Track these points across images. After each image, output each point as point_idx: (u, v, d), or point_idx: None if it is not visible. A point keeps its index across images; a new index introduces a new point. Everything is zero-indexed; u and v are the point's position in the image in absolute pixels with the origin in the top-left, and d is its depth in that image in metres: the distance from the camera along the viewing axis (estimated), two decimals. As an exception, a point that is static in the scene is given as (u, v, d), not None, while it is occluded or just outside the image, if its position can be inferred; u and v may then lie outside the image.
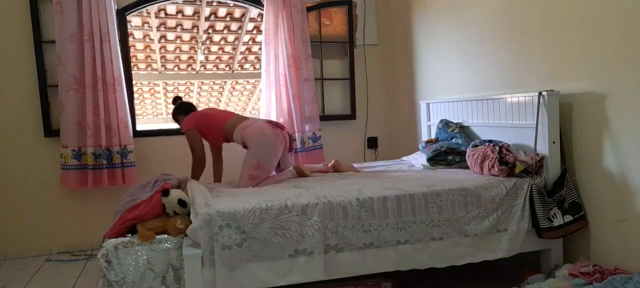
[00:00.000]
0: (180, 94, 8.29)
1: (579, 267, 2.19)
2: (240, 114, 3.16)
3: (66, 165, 3.44)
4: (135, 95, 5.78)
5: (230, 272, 1.98)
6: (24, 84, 3.49)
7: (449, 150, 2.95)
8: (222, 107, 9.04)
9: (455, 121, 3.24)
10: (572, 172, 2.46)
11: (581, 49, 2.36)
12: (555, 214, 2.35)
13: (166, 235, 2.08)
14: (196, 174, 2.95)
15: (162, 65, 6.78)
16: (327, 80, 4.32)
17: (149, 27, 5.68)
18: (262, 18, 3.98)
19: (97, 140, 3.47)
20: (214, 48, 6.47)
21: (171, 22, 5.67)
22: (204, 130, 2.99)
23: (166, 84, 7.65)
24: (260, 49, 4.33)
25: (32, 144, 3.53)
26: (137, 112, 4.68)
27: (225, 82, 7.97)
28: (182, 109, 3.19)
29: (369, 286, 2.36)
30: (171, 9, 5.30)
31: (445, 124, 3.22)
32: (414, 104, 4.03)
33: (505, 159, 2.47)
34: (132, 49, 5.17)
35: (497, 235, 2.34)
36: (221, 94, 8.54)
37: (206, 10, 5.40)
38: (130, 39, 4.75)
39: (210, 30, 5.96)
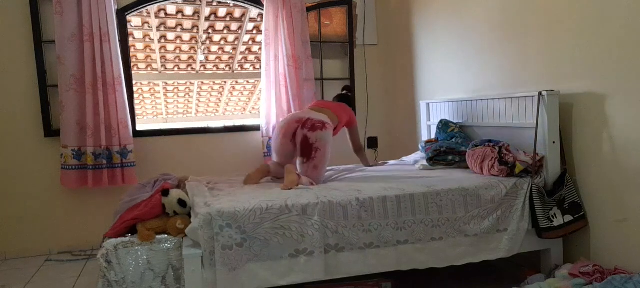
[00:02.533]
0: (180, 94, 8.27)
1: (579, 267, 2.19)
2: (314, 105, 3.15)
3: (66, 165, 3.45)
4: (135, 95, 5.76)
5: (231, 272, 1.98)
6: (24, 84, 3.49)
7: (449, 150, 2.95)
8: (221, 107, 9.00)
9: (455, 121, 3.24)
10: (572, 172, 2.46)
11: (581, 48, 2.36)
12: (555, 214, 2.35)
13: (166, 235, 2.09)
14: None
15: (162, 65, 6.78)
16: (327, 80, 4.32)
17: (149, 27, 5.67)
18: (262, 18, 3.98)
19: (97, 140, 3.47)
20: (214, 48, 6.46)
21: (171, 22, 5.66)
22: None
23: (166, 84, 7.64)
24: (260, 49, 4.33)
25: (32, 144, 3.53)
26: (137, 112, 4.67)
27: (225, 82, 7.96)
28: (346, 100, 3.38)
29: (369, 286, 2.37)
30: (171, 9, 5.29)
31: (445, 124, 3.22)
32: (414, 104, 4.03)
33: (505, 159, 2.47)
34: (132, 49, 5.17)
35: (497, 235, 2.34)
36: (221, 94, 8.53)
37: (206, 10, 5.40)
38: (130, 39, 4.74)
39: (210, 30, 5.95)
